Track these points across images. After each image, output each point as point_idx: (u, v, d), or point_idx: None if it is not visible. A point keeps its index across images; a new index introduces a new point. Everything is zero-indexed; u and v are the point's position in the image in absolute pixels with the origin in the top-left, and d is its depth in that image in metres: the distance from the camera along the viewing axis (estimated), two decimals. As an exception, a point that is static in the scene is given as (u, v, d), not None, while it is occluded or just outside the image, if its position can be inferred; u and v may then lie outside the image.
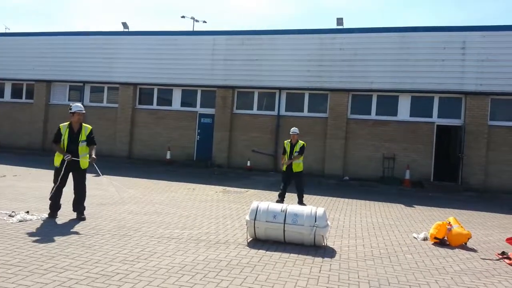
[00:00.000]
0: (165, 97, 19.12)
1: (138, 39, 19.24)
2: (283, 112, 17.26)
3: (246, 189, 12.08)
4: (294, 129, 10.30)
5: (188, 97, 18.78)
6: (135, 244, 5.82)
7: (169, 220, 7.53)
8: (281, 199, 9.89)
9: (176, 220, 7.57)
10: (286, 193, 10.05)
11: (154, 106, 19.17)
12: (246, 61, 17.46)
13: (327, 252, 6.02)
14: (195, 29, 34.42)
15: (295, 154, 9.91)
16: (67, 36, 20.46)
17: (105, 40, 19.61)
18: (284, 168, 10.10)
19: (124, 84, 19.16)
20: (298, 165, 9.96)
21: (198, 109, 18.50)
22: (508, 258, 6.15)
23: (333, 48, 16.53)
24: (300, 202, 9.82)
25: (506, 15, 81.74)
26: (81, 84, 19.99)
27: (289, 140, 10.21)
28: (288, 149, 10.04)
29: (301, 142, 10.14)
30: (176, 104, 18.84)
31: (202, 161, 17.76)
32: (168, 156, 18.08)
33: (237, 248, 5.96)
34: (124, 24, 20.23)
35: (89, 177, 12.47)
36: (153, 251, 5.55)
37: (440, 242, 6.86)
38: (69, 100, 20.45)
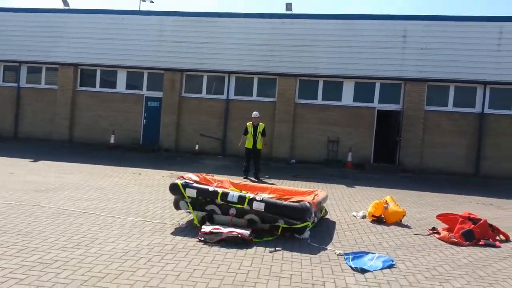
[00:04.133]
0: (109, 79, 18.37)
1: (79, 18, 18.24)
2: (232, 96, 17.24)
3: (193, 173, 12.01)
4: (255, 113, 12.13)
5: (133, 80, 18.18)
6: (75, 231, 5.64)
7: (112, 205, 7.35)
8: (246, 175, 11.69)
9: (120, 205, 7.40)
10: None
11: (97, 88, 18.38)
12: (195, 44, 17.15)
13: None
14: (141, 9, 33.15)
15: (259, 134, 11.82)
16: (1, 12, 18.96)
17: (43, 17, 18.41)
18: (250, 145, 11.83)
19: (64, 65, 18.17)
20: (260, 144, 11.93)
21: (145, 92, 17.98)
22: (438, 233, 6.66)
23: (282, 33, 16.66)
24: (256, 176, 11.65)
25: (446, 6, 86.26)
26: (17, 64, 18.70)
27: (251, 122, 11.97)
28: (251, 130, 11.87)
29: (262, 124, 12.03)
30: (121, 86, 18.19)
31: (148, 146, 17.38)
32: (112, 140, 17.49)
33: (183, 231, 5.96)
34: (64, 1, 19.06)
35: (26, 162, 11.85)
36: (95, 238, 5.41)
37: (377, 220, 7.28)
38: (3, 81, 19.12)
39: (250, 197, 6.00)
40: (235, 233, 5.56)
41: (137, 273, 4.33)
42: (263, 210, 5.89)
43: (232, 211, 6.09)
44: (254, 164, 11.95)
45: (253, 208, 5.92)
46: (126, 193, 8.58)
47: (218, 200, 6.09)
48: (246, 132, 12.01)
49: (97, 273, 4.24)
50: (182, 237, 5.67)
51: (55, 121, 18.29)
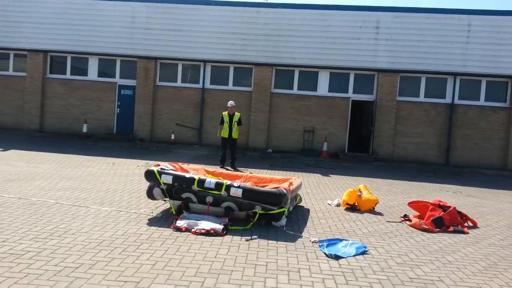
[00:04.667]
0: (80, 66, 17.84)
1: (48, 2, 17.55)
2: (207, 85, 17.08)
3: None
4: (231, 102, 12.05)
5: (106, 67, 17.71)
6: (48, 221, 5.51)
7: (86, 195, 7.21)
8: (222, 164, 11.65)
9: (93, 195, 7.26)
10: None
11: (68, 75, 17.83)
12: (169, 31, 16.84)
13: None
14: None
15: (235, 123, 11.75)
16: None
17: (10, 1, 17.61)
18: (226, 135, 11.76)
19: (33, 51, 17.52)
20: (236, 133, 11.85)
21: (118, 80, 17.58)
22: (409, 220, 6.87)
23: (257, 22, 16.57)
24: (233, 166, 11.64)
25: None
26: (-18, 50, 17.92)
27: (227, 111, 11.91)
28: (227, 120, 11.79)
29: (237, 114, 11.99)
30: (93, 74, 17.70)
31: (123, 135, 17.06)
32: (84, 130, 17.07)
33: (159, 221, 5.92)
34: (31, -16, 18.28)
35: (-7, 152, 11.45)
36: (68, 228, 5.30)
37: (351, 208, 7.44)
38: (-34, 67, 18.31)
39: (228, 183, 5.98)
40: (208, 229, 5.47)
41: (111, 263, 4.28)
42: (241, 196, 5.89)
43: (209, 199, 6.08)
44: (230, 154, 11.96)
45: (231, 194, 5.90)
46: (100, 183, 8.42)
47: (195, 187, 6.03)
48: (222, 121, 11.96)
49: (70, 264, 4.17)
50: (157, 227, 5.63)
51: (25, 110, 17.68)
